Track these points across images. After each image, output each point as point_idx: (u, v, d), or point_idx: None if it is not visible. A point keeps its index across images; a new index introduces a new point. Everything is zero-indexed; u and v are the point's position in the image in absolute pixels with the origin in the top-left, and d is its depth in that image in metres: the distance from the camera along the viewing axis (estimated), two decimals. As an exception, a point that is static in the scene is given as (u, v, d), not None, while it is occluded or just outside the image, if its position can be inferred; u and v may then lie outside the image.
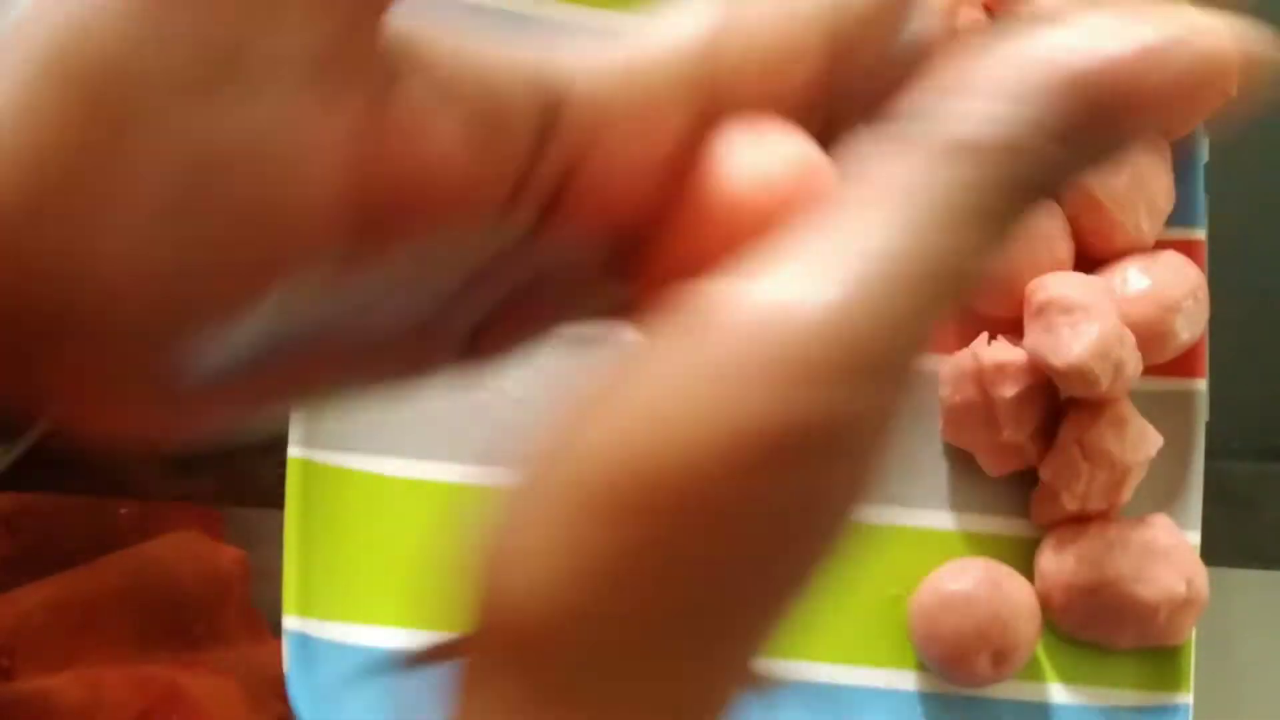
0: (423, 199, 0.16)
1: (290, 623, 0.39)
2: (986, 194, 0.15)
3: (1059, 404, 0.41)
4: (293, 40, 0.14)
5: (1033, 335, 0.39)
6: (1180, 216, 0.43)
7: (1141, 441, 0.40)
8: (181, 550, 0.63)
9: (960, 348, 0.42)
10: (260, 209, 0.14)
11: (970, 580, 0.40)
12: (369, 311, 0.18)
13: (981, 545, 0.42)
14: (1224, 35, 0.16)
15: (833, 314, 0.14)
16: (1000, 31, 0.16)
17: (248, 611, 0.65)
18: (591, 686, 0.15)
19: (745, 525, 0.15)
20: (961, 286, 0.16)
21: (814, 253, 0.15)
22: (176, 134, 0.13)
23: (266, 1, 0.13)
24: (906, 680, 0.41)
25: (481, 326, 0.20)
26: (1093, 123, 0.15)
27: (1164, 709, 0.41)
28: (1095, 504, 0.40)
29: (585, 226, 0.18)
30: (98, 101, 0.13)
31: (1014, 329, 0.41)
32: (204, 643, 0.61)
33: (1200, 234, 0.43)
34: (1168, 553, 0.40)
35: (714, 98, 0.17)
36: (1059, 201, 0.39)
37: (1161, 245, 0.42)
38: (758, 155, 0.18)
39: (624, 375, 0.16)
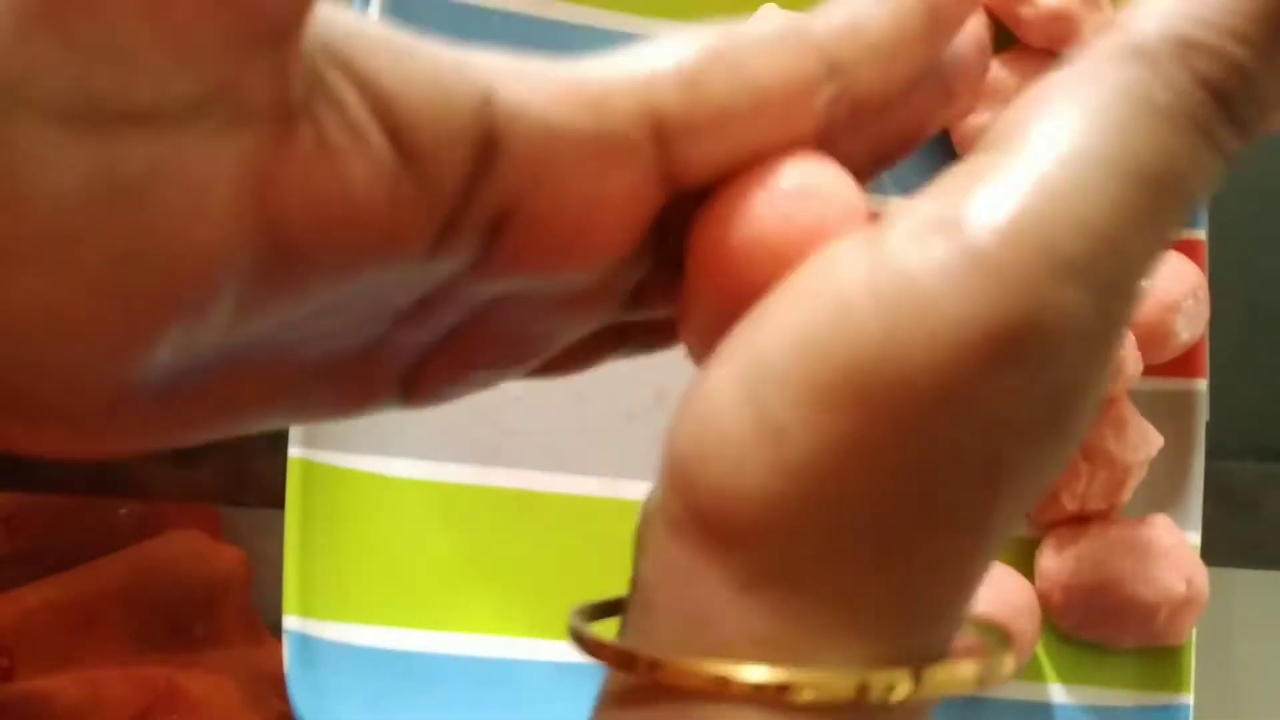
0: (334, 236, 0.15)
1: (290, 623, 0.39)
2: (1176, 92, 0.15)
3: (1059, 404, 0.41)
4: (165, 85, 0.13)
5: (1033, 335, 0.39)
6: (1180, 216, 0.43)
7: (1141, 441, 0.40)
8: (181, 550, 0.63)
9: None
10: (150, 243, 0.14)
11: (970, 580, 0.40)
12: (297, 343, 0.17)
13: (981, 545, 0.42)
14: None
15: (1071, 213, 0.14)
16: None
17: (247, 611, 0.65)
18: (817, 572, 0.15)
19: (990, 417, 0.15)
20: (1179, 195, 0.15)
21: (1030, 156, 0.15)
22: (64, 161, 0.13)
23: (126, 54, 0.13)
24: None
25: (423, 361, 0.19)
26: (1275, 26, 0.15)
27: (1164, 709, 0.41)
28: (1095, 504, 0.40)
29: (532, 265, 0.17)
30: None
31: (1014, 329, 0.41)
32: (204, 643, 0.61)
33: (1200, 234, 0.43)
34: (1168, 553, 0.40)
35: (692, 133, 0.17)
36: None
37: (1161, 245, 0.42)
38: (774, 206, 0.17)
39: (850, 262, 0.15)
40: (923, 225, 0.15)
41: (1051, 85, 0.16)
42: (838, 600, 0.15)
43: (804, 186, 0.17)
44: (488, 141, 0.16)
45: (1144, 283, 0.16)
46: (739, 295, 0.17)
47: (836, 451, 0.15)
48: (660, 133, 0.17)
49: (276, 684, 0.40)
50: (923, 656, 0.16)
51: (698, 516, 0.16)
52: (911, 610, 0.16)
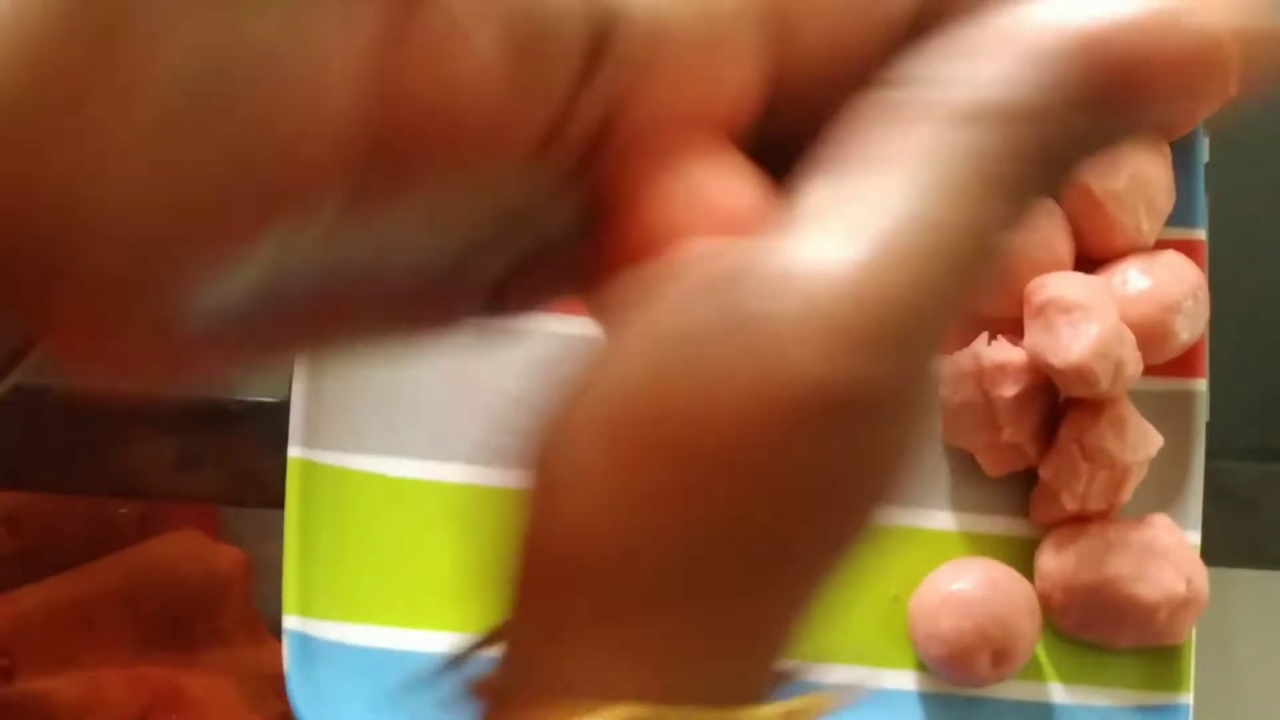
0: (448, 130, 0.14)
1: (290, 623, 0.39)
2: (1008, 161, 0.15)
3: (1059, 404, 0.41)
4: None
5: (1033, 335, 0.39)
6: (1180, 216, 0.43)
7: (1141, 441, 0.40)
8: (181, 550, 0.63)
9: (960, 348, 0.42)
10: (267, 130, 0.13)
11: (970, 580, 0.40)
12: (383, 260, 0.17)
13: (981, 545, 0.42)
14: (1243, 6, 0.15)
15: (869, 277, 0.14)
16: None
17: (248, 611, 0.65)
18: (650, 609, 0.15)
19: (782, 487, 0.15)
20: (989, 259, 0.16)
21: (840, 214, 0.15)
22: (180, 41, 0.12)
23: None
24: (906, 680, 0.41)
25: (506, 281, 0.18)
26: (1111, 90, 0.15)
27: (1164, 709, 0.41)
28: (1095, 504, 0.40)
29: (633, 171, 0.17)
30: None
31: (1014, 329, 0.41)
32: (204, 643, 0.61)
33: (1200, 234, 0.43)
34: (1168, 553, 0.40)
35: (785, 43, 0.16)
36: (1058, 200, 0.39)
37: (1161, 245, 0.42)
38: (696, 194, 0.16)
39: (661, 319, 0.15)
40: (741, 277, 0.15)
41: (872, 140, 0.15)
42: (644, 645, 0.15)
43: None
44: (598, 35, 0.15)
45: (942, 341, 0.16)
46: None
47: (631, 503, 0.15)
48: (771, 25, 0.16)
49: (276, 684, 0.40)
50: (728, 701, 0.16)
51: (524, 552, 0.16)
52: (714, 663, 0.16)
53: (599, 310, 0.18)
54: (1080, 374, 0.37)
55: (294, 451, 0.40)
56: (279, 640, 0.39)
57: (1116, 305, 0.38)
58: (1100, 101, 0.15)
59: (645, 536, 0.15)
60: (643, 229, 0.17)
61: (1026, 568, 0.42)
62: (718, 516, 0.15)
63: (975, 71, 0.15)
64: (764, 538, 0.15)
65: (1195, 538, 0.42)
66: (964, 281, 0.15)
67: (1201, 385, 0.42)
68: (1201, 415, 0.42)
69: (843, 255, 0.14)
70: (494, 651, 0.17)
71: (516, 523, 0.17)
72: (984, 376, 0.40)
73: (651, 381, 0.15)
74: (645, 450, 0.15)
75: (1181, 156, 0.43)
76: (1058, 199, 0.16)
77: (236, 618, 0.64)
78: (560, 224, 0.17)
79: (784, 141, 0.17)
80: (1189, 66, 0.15)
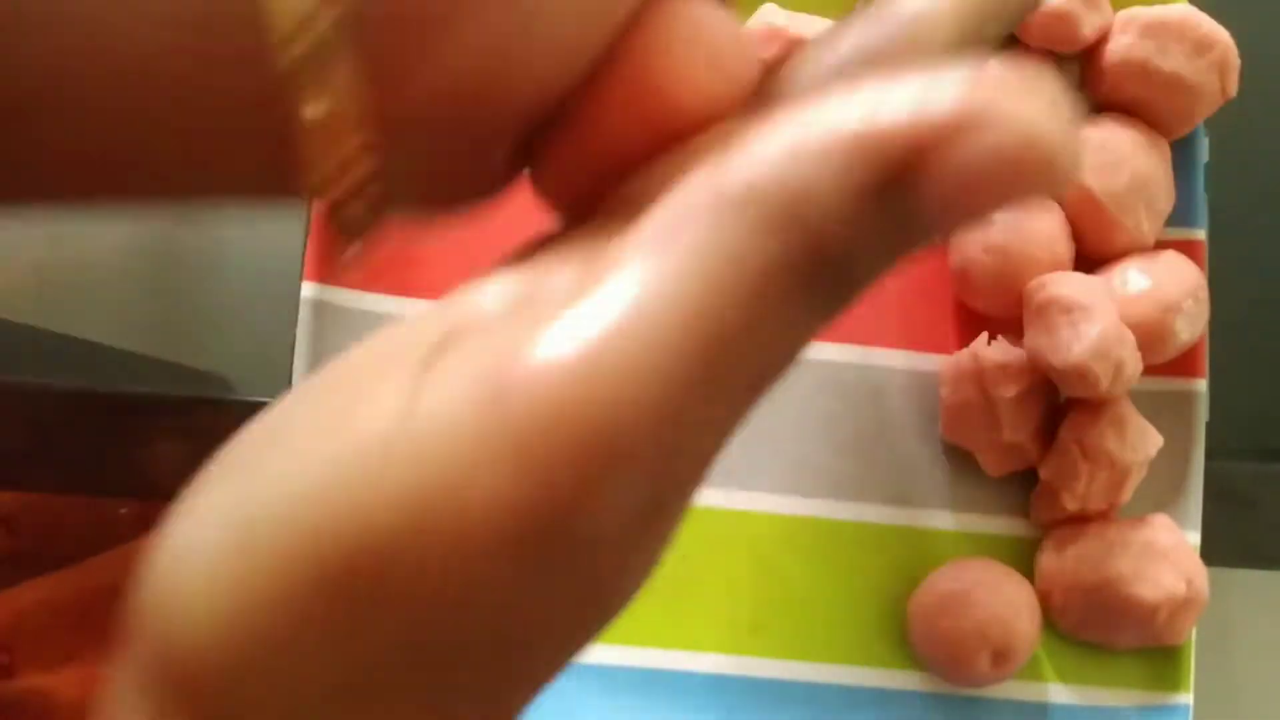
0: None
1: (290, 622, 0.39)
2: (768, 256, 0.13)
3: (1059, 404, 0.41)
4: None
5: (1033, 335, 0.39)
6: (1180, 216, 0.43)
7: (1141, 441, 0.40)
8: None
9: (960, 348, 0.42)
10: None
11: (970, 580, 0.40)
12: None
13: (981, 545, 0.42)
14: (1046, 110, 0.13)
15: (583, 384, 0.12)
16: (801, 98, 0.15)
17: None
18: None
19: (502, 617, 0.13)
20: (759, 364, 0.13)
21: (577, 304, 0.13)
22: None
23: None
24: (906, 680, 0.41)
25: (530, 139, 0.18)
26: (885, 197, 0.13)
27: (1164, 709, 0.41)
28: (1095, 504, 0.40)
29: None
30: None
31: (1014, 329, 0.41)
32: None
33: (1200, 234, 0.43)
34: (1168, 553, 0.40)
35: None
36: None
37: (1161, 245, 0.42)
38: (703, 30, 0.16)
39: (388, 401, 0.13)
40: (469, 375, 0.13)
41: (645, 226, 0.14)
42: None
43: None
44: None
45: (694, 463, 0.14)
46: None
47: (283, 619, 0.13)
48: None
49: None
50: None
51: (162, 663, 0.14)
52: None
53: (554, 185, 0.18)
54: (1080, 374, 0.37)
55: (294, 451, 0.40)
56: None
57: (1116, 305, 0.38)
58: (876, 207, 0.13)
59: (281, 654, 0.13)
60: (639, 66, 0.16)
61: (1026, 568, 0.42)
62: (366, 639, 0.13)
63: (743, 165, 0.13)
64: (414, 662, 0.13)
65: (1195, 538, 0.42)
66: (721, 394, 0.13)
67: (1201, 385, 0.42)
68: (1201, 415, 0.42)
69: (559, 355, 0.13)
70: None
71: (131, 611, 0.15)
72: (984, 377, 0.40)
73: (311, 489, 0.13)
74: (290, 566, 0.13)
75: (1181, 156, 0.43)
76: (844, 306, 0.14)
77: None
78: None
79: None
80: (983, 176, 0.13)
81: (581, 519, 0.12)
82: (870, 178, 0.13)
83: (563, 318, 0.13)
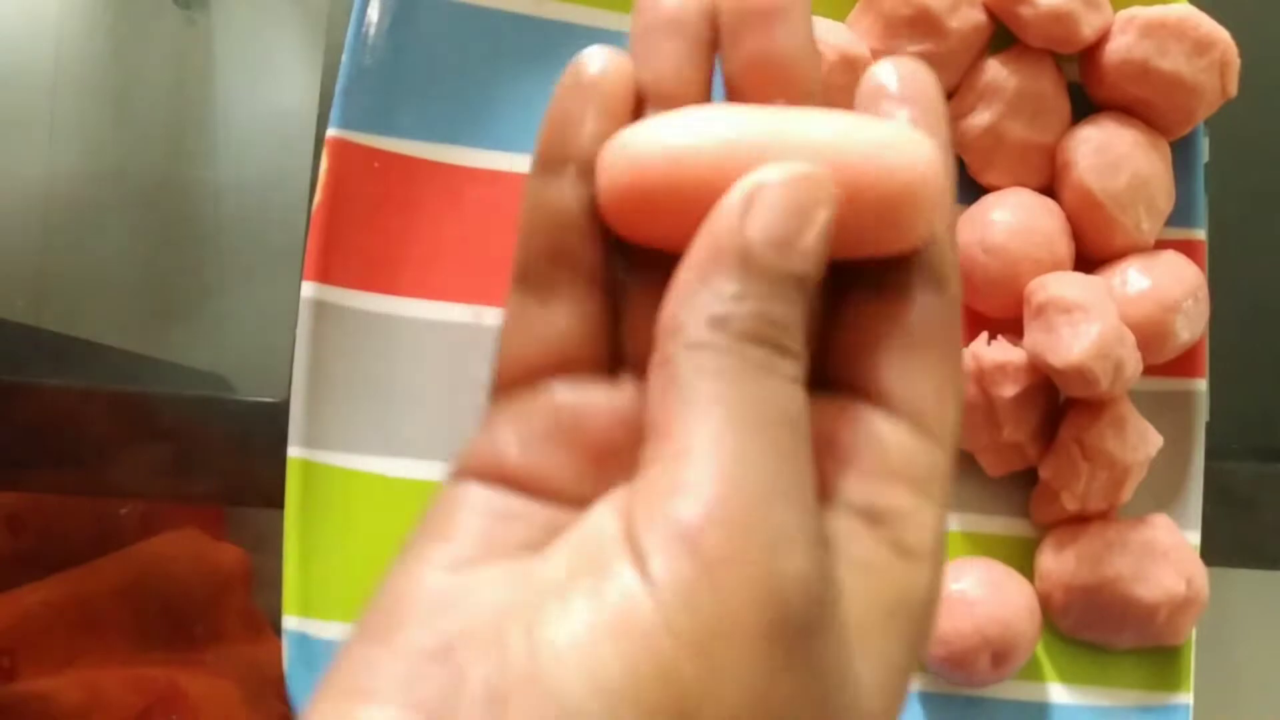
0: None
1: (290, 623, 0.39)
2: (746, 357, 0.17)
3: (1059, 404, 0.41)
4: None
5: (1033, 335, 0.39)
6: (1180, 216, 0.43)
7: (1141, 441, 0.40)
8: (182, 549, 0.63)
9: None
10: None
11: (970, 580, 0.40)
12: None
13: (981, 545, 0.42)
14: (914, 150, 0.19)
15: (754, 489, 0.17)
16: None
17: (249, 610, 0.65)
18: None
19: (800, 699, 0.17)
20: (799, 430, 0.18)
21: (696, 458, 0.17)
22: None
23: None
24: (906, 680, 0.41)
25: None
26: (781, 280, 0.18)
27: (1164, 709, 0.41)
28: (1095, 504, 0.40)
29: None
30: None
31: (1014, 329, 0.41)
32: (204, 642, 0.62)
33: (1200, 234, 0.43)
34: (1168, 553, 0.40)
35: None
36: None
37: (1161, 245, 0.42)
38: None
39: (633, 600, 0.16)
40: (669, 543, 0.16)
41: (663, 390, 0.18)
42: None
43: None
44: None
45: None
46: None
47: None
48: None
49: (277, 685, 0.40)
50: None
51: None
52: None
53: None
54: (1080, 374, 0.37)
55: (293, 451, 0.40)
56: (279, 640, 0.39)
57: (1116, 305, 0.38)
58: (784, 286, 0.18)
59: None
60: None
61: (1026, 568, 0.42)
62: None
63: (689, 310, 0.18)
64: None
65: (1195, 538, 0.42)
66: (795, 449, 0.17)
67: (1201, 385, 0.42)
68: (1201, 415, 0.42)
69: (709, 490, 0.17)
70: None
71: None
72: (984, 376, 0.40)
73: (665, 681, 0.16)
74: None
75: (1181, 156, 0.43)
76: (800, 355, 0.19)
77: (237, 617, 0.64)
78: None
79: None
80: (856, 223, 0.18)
81: (795, 597, 0.16)
82: (763, 269, 0.18)
83: (687, 472, 0.17)
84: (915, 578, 0.18)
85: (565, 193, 0.20)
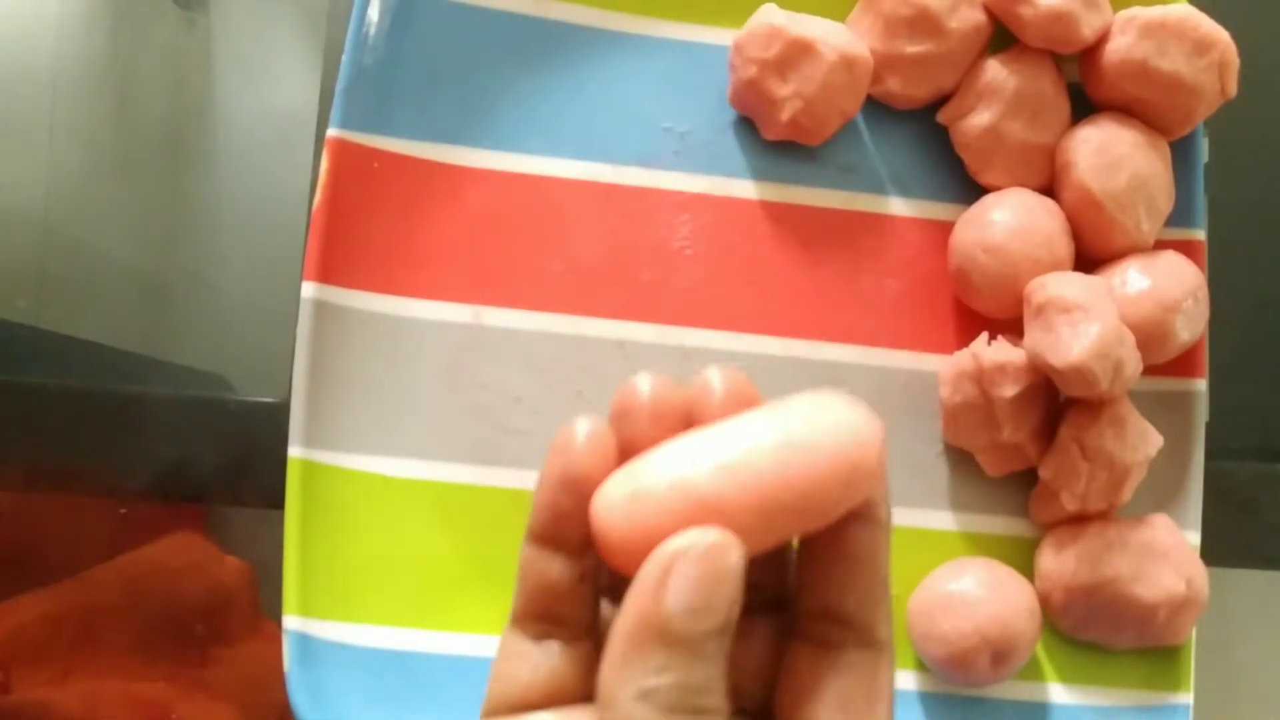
0: None
1: (290, 623, 0.39)
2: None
3: (1059, 404, 0.41)
4: None
5: (1033, 335, 0.39)
6: (1180, 216, 0.43)
7: (1141, 441, 0.40)
8: (181, 559, 0.63)
9: (960, 348, 0.42)
10: None
11: (970, 580, 0.40)
12: None
13: (981, 545, 0.42)
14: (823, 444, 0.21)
15: None
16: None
17: (254, 620, 0.64)
18: None
19: None
20: None
21: None
22: None
23: None
24: (906, 680, 0.41)
25: None
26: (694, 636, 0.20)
27: (1164, 709, 0.41)
28: (1095, 504, 0.40)
29: None
30: None
31: (1014, 329, 0.41)
32: (205, 653, 0.61)
33: (1200, 234, 0.43)
34: (1168, 553, 0.40)
35: None
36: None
37: (1161, 245, 0.42)
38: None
39: None
40: None
41: None
42: None
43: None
44: None
45: None
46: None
47: None
48: None
49: (282, 712, 0.40)
50: None
51: None
52: None
53: None
54: (1080, 374, 0.37)
55: (294, 451, 0.40)
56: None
57: (1116, 305, 0.38)
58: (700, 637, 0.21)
59: None
60: None
61: (1026, 568, 0.42)
62: None
63: (615, 688, 0.20)
64: None
65: (1195, 538, 0.42)
66: None
67: (1201, 385, 0.42)
68: (1201, 415, 0.42)
69: None
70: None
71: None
72: (984, 376, 0.40)
73: None
74: None
75: (1181, 156, 0.43)
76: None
77: (241, 626, 0.64)
78: None
79: None
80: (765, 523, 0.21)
81: None
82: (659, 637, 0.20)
83: None
84: None
85: (556, 568, 0.23)
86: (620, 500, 0.21)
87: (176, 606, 0.61)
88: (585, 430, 0.22)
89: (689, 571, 0.20)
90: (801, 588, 0.23)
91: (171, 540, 0.63)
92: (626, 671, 0.20)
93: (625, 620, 0.20)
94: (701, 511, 0.20)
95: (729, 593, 0.20)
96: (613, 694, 0.20)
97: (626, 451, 0.23)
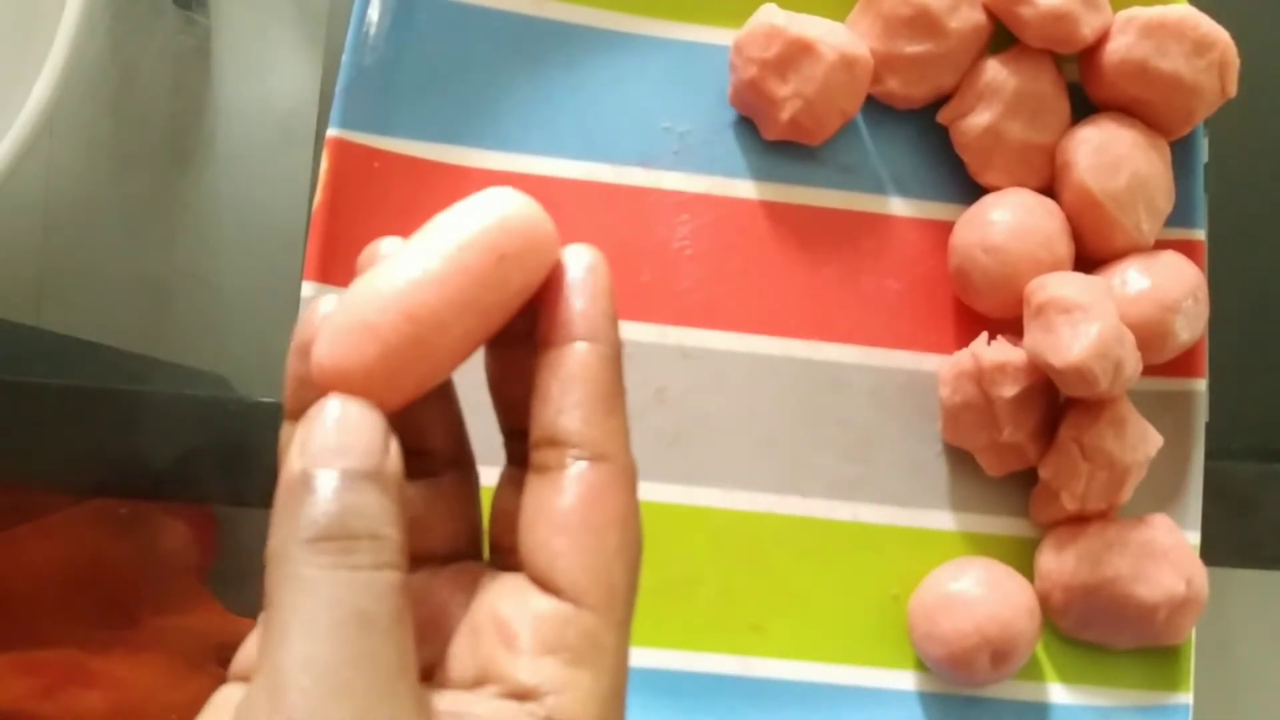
0: None
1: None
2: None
3: (1059, 404, 0.41)
4: None
5: (1032, 335, 0.39)
6: (1180, 216, 0.43)
7: (1141, 441, 0.40)
8: (115, 527, 0.61)
9: (960, 348, 0.42)
10: None
11: (970, 580, 0.40)
12: None
13: (981, 545, 0.42)
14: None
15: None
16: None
17: (193, 588, 0.63)
18: None
19: None
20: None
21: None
22: None
23: None
24: (906, 680, 0.41)
25: None
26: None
27: (1164, 709, 0.41)
28: (1095, 504, 0.40)
29: None
30: None
31: (1014, 329, 0.41)
32: (135, 619, 0.60)
33: (1200, 234, 0.43)
34: (1167, 553, 0.40)
35: None
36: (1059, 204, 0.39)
37: (1161, 245, 0.42)
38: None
39: None
40: None
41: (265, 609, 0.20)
42: None
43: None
44: None
45: None
46: None
47: None
48: None
49: (220, 650, 0.39)
50: None
51: None
52: None
53: None
54: (1080, 374, 0.37)
55: (294, 451, 0.40)
56: (228, 611, 0.38)
57: (1116, 305, 0.38)
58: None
59: None
60: None
61: (1026, 568, 0.42)
62: None
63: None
64: None
65: (1195, 538, 0.42)
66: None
67: (1201, 385, 0.42)
68: (1201, 415, 0.42)
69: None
70: None
71: None
72: (984, 377, 0.40)
73: None
74: None
75: (1181, 156, 0.43)
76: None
77: (180, 594, 0.62)
78: None
79: None
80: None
81: None
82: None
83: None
84: None
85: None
86: (326, 337, 0.21)
87: (107, 572, 0.60)
88: (325, 306, 0.23)
89: (326, 419, 0.21)
90: (533, 423, 0.23)
91: (100, 503, 0.62)
92: (282, 519, 0.20)
93: (280, 481, 0.21)
94: (396, 324, 0.21)
95: (367, 438, 0.20)
96: (270, 548, 0.20)
97: None
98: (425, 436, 0.25)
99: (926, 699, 0.41)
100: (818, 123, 0.42)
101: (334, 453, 0.20)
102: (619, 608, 0.21)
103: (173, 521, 0.64)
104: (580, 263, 0.23)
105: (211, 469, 0.44)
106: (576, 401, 0.22)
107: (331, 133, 0.41)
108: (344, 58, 0.41)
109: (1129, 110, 0.42)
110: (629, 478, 0.22)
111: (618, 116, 0.43)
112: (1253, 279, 0.50)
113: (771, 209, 0.43)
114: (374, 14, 0.42)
